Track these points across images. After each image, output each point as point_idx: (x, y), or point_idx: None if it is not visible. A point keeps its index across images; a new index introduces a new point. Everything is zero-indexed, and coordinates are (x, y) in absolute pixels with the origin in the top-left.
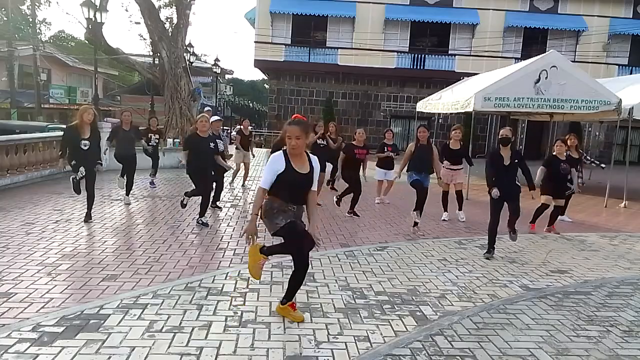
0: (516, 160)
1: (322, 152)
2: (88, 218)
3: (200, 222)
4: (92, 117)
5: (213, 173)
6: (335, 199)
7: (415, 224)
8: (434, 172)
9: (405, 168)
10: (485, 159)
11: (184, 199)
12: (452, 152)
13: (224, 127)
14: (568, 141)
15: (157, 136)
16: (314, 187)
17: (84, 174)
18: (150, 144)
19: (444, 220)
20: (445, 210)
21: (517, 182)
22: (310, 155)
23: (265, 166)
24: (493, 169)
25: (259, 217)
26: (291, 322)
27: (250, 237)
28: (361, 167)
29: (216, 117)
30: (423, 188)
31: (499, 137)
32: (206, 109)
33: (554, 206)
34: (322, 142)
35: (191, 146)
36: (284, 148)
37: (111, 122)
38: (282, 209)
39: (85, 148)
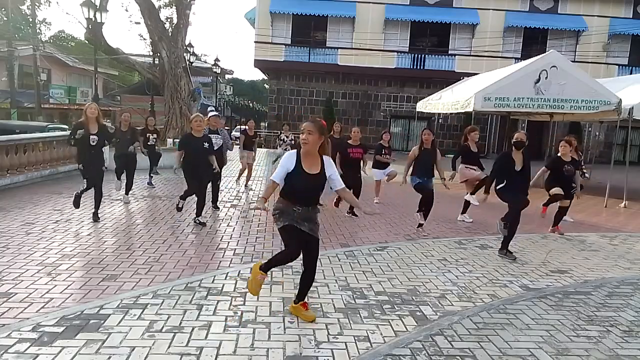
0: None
1: None
2: (96, 218)
3: (197, 221)
4: (96, 112)
5: (214, 171)
6: (334, 202)
7: (420, 225)
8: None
9: (410, 172)
10: (496, 159)
11: (179, 202)
12: (473, 154)
13: (226, 127)
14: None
15: (154, 135)
16: (339, 186)
17: (85, 188)
18: (148, 143)
19: (463, 221)
20: (464, 212)
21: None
22: (325, 157)
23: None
24: (501, 173)
25: (267, 200)
26: (291, 322)
27: (259, 208)
28: (361, 165)
29: (215, 113)
30: (429, 190)
31: (514, 140)
32: (209, 108)
33: (558, 207)
34: None
35: (185, 146)
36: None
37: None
38: (286, 210)
39: (94, 143)
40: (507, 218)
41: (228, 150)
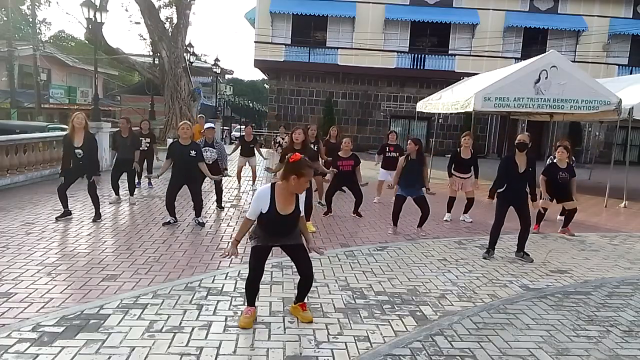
0: (530, 169)
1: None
2: (97, 217)
3: (197, 221)
4: (83, 122)
5: (214, 178)
6: (322, 213)
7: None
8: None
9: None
10: (499, 163)
11: (169, 219)
12: (462, 160)
13: (224, 127)
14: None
15: (147, 140)
16: (302, 213)
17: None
18: (141, 148)
19: (446, 220)
20: (449, 211)
21: (526, 189)
22: (299, 195)
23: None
24: (505, 177)
25: (239, 243)
26: (291, 322)
27: (230, 256)
28: (357, 176)
29: (209, 125)
30: (419, 197)
31: (516, 142)
32: (207, 124)
33: (563, 208)
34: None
35: (173, 154)
36: (274, 182)
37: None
38: (263, 237)
39: (79, 157)
40: (491, 229)
41: (227, 161)
